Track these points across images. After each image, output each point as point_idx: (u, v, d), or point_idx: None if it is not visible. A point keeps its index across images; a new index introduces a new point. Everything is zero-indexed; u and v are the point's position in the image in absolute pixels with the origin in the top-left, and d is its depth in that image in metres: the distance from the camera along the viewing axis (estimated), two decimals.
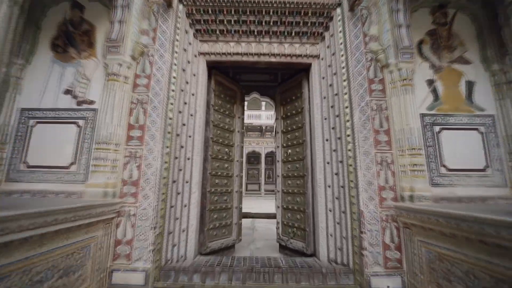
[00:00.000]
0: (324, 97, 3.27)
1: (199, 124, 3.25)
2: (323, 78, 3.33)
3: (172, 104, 2.95)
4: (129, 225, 2.61)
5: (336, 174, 2.98)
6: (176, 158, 2.93)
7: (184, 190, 3.00)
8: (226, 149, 3.79)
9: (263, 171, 19.26)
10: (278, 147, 4.05)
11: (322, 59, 3.39)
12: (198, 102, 3.30)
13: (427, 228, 2.21)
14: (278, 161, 3.99)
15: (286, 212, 3.76)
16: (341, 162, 2.94)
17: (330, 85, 3.21)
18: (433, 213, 2.09)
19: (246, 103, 19.01)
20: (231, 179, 3.85)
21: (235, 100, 4.18)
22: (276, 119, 4.20)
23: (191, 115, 3.19)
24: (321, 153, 3.18)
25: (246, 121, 18.18)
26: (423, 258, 2.29)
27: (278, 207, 3.88)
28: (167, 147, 2.83)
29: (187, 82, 3.20)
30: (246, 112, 18.37)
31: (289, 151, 3.79)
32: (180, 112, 3.05)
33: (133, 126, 2.84)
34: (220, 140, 3.70)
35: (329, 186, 3.03)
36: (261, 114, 18.59)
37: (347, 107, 2.96)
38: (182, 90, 3.12)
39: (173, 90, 2.99)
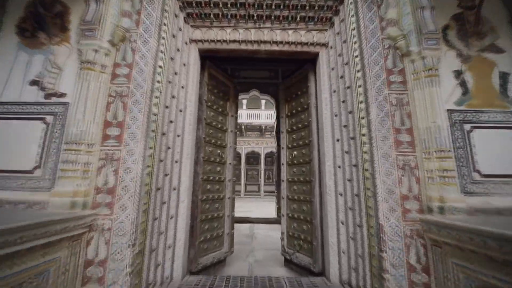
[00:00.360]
0: (334, 91, 2.84)
1: (189, 122, 2.81)
2: (333, 69, 2.90)
3: (157, 97, 2.52)
4: (102, 242, 2.17)
5: (349, 180, 2.55)
6: (161, 161, 2.50)
7: (171, 199, 2.56)
8: (219, 151, 3.36)
9: (262, 172, 18.89)
10: (282, 148, 3.61)
11: (331, 47, 2.96)
12: (189, 96, 2.87)
13: (466, 249, 1.78)
14: (282, 164, 3.56)
15: (291, 222, 3.32)
16: (355, 166, 2.51)
17: (341, 76, 2.79)
18: (477, 232, 1.66)
19: (245, 101, 18.74)
20: (223, 184, 3.42)
21: (229, 97, 3.75)
22: (281, 117, 3.77)
23: (180, 111, 2.76)
24: (331, 156, 2.75)
25: (245, 120, 17.80)
26: (460, 286, 1.86)
27: (283, 215, 3.45)
28: (151, 148, 2.40)
29: (176, 73, 2.77)
30: (245, 111, 18.00)
31: (295, 152, 3.36)
32: (167, 107, 2.62)
33: (110, 123, 2.41)
34: (213, 141, 3.27)
35: (340, 194, 2.60)
36: (260, 113, 18.19)
37: (361, 102, 2.54)
38: (169, 82, 2.68)
39: (158, 82, 2.56)
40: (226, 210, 3.41)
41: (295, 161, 3.35)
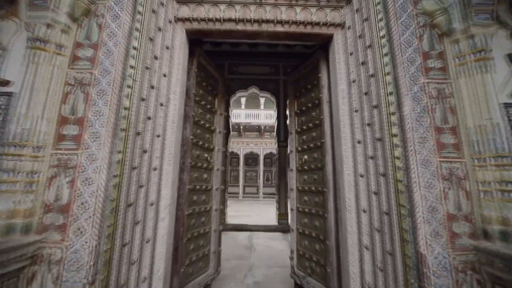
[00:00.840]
0: (353, 81, 2.29)
1: (173, 119, 2.25)
2: (351, 54, 2.35)
3: (130, 87, 1.96)
4: (49, 279, 1.61)
5: (376, 193, 1.99)
6: (134, 168, 1.93)
7: (147, 217, 2.00)
8: (206, 155, 2.81)
9: (261, 173, 18.41)
10: (291, 151, 3.06)
11: (348, 28, 2.41)
12: (173, 87, 2.31)
13: None
14: (291, 169, 3.01)
15: (302, 239, 2.77)
16: (384, 175, 1.95)
17: (363, 63, 2.24)
18: None
19: (244, 101, 18.20)
20: (210, 194, 2.87)
21: (217, 92, 3.19)
22: (289, 115, 3.21)
23: (161, 105, 2.19)
24: (351, 161, 2.19)
25: (244, 120, 17.25)
26: None
27: (293, 230, 2.90)
28: (120, 152, 1.84)
29: (156, 58, 2.21)
30: (244, 111, 17.46)
31: (305, 157, 2.81)
32: (143, 99, 2.06)
33: (67, 120, 1.85)
34: (200, 143, 2.71)
35: (364, 211, 2.05)
36: (259, 113, 17.63)
37: (391, 94, 1.99)
38: (147, 68, 2.12)
39: (132, 67, 2.00)
40: (213, 224, 2.86)
41: (305, 167, 2.79)
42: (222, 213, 3.00)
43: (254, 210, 11.13)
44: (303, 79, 3.04)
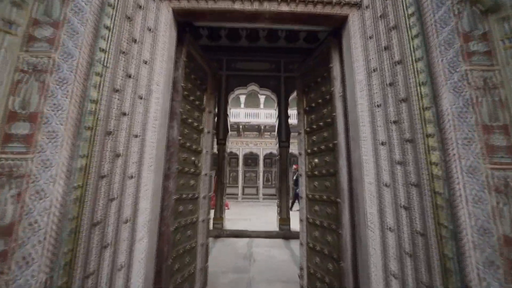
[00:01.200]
0: (374, 70, 1.90)
1: (155, 115, 1.85)
2: (371, 37, 1.96)
3: (99, 75, 1.57)
4: None
5: (406, 208, 1.60)
6: (103, 177, 1.54)
7: (120, 238, 1.60)
8: (193, 158, 2.42)
9: (261, 174, 18.13)
10: (300, 154, 2.67)
11: (367, 7, 2.02)
12: (156, 77, 1.91)
13: None
14: (301, 175, 2.63)
15: (312, 255, 2.38)
16: (416, 186, 1.56)
17: (386, 48, 1.85)
18: None
19: (243, 100, 17.85)
20: (197, 203, 2.50)
21: (206, 86, 2.80)
22: (298, 113, 2.83)
23: (141, 99, 1.80)
24: (372, 167, 1.80)
25: (243, 120, 16.89)
26: None
27: (302, 244, 2.52)
28: (83, 156, 1.45)
29: (135, 41, 1.81)
30: (243, 110, 17.12)
31: (315, 160, 2.42)
32: (117, 91, 1.66)
33: (16, 115, 1.45)
34: (188, 144, 2.32)
35: (390, 230, 1.66)
36: (259, 112, 17.29)
37: (423, 84, 1.60)
38: (123, 53, 1.73)
39: (103, 50, 1.61)
40: (199, 238, 2.48)
41: (316, 172, 2.40)
42: (208, 225, 2.60)
43: (253, 212, 10.74)
44: (311, 71, 2.64)
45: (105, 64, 1.61)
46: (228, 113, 7.12)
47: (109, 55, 1.63)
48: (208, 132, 2.70)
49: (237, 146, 17.79)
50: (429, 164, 1.51)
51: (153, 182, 1.78)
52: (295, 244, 5.67)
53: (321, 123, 2.38)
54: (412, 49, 1.68)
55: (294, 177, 10.78)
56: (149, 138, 1.79)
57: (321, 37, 6.51)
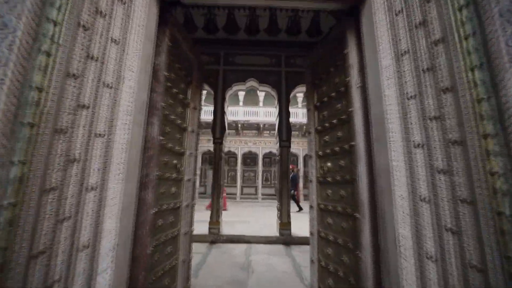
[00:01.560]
0: (404, 53, 1.51)
1: (127, 109, 1.45)
2: (399, 12, 1.56)
3: (47, 53, 1.17)
4: None
5: (454, 232, 1.22)
6: (48, 190, 1.14)
7: (76, 271, 1.18)
8: (175, 161, 2.03)
9: (260, 173, 17.98)
10: (311, 157, 2.30)
11: None
12: (129, 60, 1.50)
13: None
14: (310, 180, 2.25)
15: (325, 275, 2.02)
16: (469, 203, 1.18)
17: (420, 23, 1.45)
18: None
19: (242, 98, 17.53)
20: (178, 214, 2.13)
21: (191, 79, 2.40)
22: (308, 110, 2.44)
23: (108, 87, 1.39)
24: (403, 175, 1.41)
25: (242, 118, 16.55)
26: None
27: (313, 261, 2.16)
28: (20, 162, 1.05)
29: (100, 13, 1.41)
30: (242, 108, 16.80)
31: (328, 164, 2.04)
32: (73, 75, 1.26)
33: None
34: (170, 145, 1.93)
35: (431, 259, 1.27)
36: (258, 110, 17.00)
37: (477, 67, 1.22)
38: (84, 28, 1.33)
39: (53, 22, 1.21)
40: (181, 253, 2.10)
41: (328, 178, 2.02)
42: (191, 238, 2.21)
43: (252, 214, 10.37)
44: (323, 61, 2.25)
45: (56, 41, 1.21)
46: (226, 110, 6.72)
47: (62, 29, 1.23)
48: (192, 131, 2.32)
49: (235, 145, 17.63)
50: (488, 174, 1.12)
51: (124, 194, 1.38)
52: (296, 251, 5.31)
53: (334, 121, 1.99)
54: (459, 22, 1.29)
55: (291, 176, 10.43)
56: (118, 138, 1.39)
57: (325, 30, 6.13)
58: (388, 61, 1.56)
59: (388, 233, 1.43)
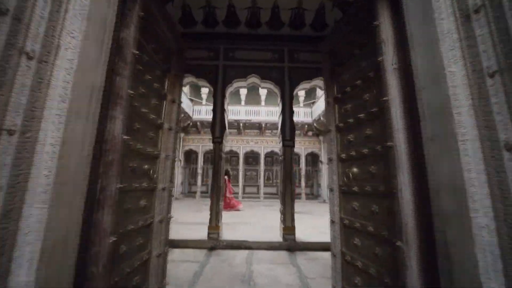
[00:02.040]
0: (476, 11, 1.01)
1: (63, 93, 0.96)
2: None
3: None
4: None
5: None
6: None
7: None
8: (147, 166, 1.57)
9: (262, 172, 18.01)
10: (331, 160, 1.83)
11: None
12: (70, 22, 1.01)
13: None
14: (331, 189, 1.78)
15: None
16: None
17: None
18: None
19: (244, 97, 17.19)
20: (149, 232, 1.67)
21: (170, 66, 1.92)
22: (327, 103, 1.97)
23: (30, 58, 0.91)
24: (486, 193, 0.92)
25: (244, 117, 16.30)
26: None
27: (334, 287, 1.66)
28: None
29: None
30: (244, 108, 16.60)
31: (354, 170, 1.56)
32: None
33: None
34: (139, 146, 1.45)
35: None
36: (260, 110, 16.86)
37: None
38: None
39: None
40: (152, 280, 1.61)
41: (354, 188, 1.54)
42: (166, 260, 1.74)
43: (254, 215, 9.93)
44: (344, 42, 1.75)
45: None
46: (226, 108, 6.24)
47: None
48: (170, 129, 1.84)
49: (237, 144, 17.58)
50: None
51: (53, 220, 0.90)
52: (301, 258, 4.84)
53: (361, 115, 1.50)
54: None
55: None
56: (45, 136, 0.91)
57: (330, 23, 5.63)
58: (448, 24, 1.06)
59: (456, 274, 0.94)
